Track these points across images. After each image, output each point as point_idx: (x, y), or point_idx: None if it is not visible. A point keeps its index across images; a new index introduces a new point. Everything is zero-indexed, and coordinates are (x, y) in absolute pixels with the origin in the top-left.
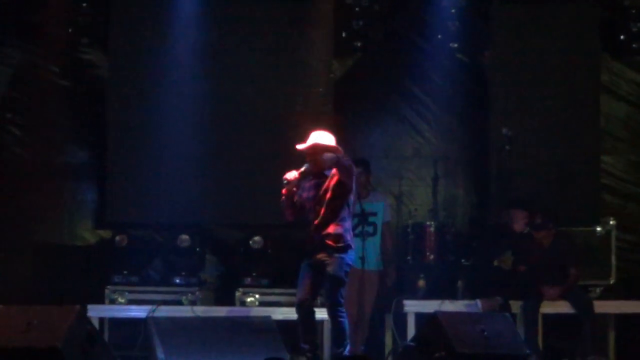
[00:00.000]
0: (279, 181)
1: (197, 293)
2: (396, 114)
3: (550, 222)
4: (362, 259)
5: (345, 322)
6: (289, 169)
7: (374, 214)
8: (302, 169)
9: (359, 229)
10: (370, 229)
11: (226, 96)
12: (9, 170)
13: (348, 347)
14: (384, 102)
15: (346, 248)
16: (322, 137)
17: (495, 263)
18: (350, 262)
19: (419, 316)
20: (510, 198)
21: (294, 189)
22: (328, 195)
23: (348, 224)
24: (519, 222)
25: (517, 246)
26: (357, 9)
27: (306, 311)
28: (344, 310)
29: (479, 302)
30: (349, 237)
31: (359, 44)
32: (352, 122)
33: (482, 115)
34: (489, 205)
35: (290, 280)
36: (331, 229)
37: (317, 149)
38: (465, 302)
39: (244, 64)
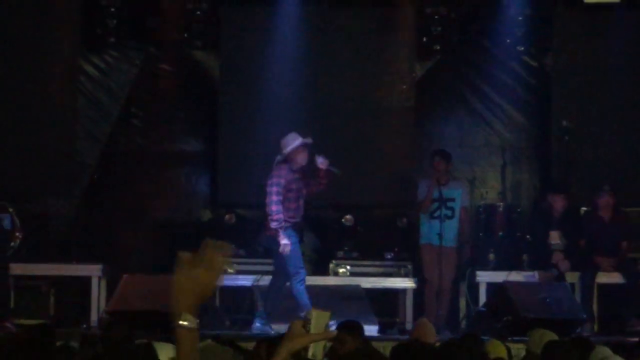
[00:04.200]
0: (367, 166)
1: None
2: (470, 109)
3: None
4: (440, 235)
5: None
6: (379, 156)
7: (452, 200)
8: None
9: (438, 212)
10: (448, 213)
11: (322, 92)
12: (132, 158)
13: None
14: (459, 98)
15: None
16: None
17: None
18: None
19: (490, 285)
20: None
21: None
22: None
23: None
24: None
25: (573, 223)
26: (436, 17)
27: None
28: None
29: (536, 274)
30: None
31: (437, 48)
32: (431, 115)
33: (544, 109)
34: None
35: (377, 253)
36: None
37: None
38: (525, 273)
39: (338, 64)
